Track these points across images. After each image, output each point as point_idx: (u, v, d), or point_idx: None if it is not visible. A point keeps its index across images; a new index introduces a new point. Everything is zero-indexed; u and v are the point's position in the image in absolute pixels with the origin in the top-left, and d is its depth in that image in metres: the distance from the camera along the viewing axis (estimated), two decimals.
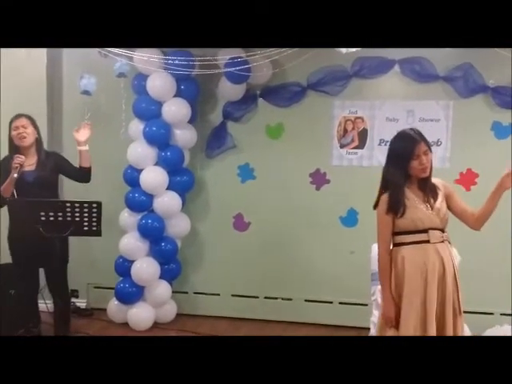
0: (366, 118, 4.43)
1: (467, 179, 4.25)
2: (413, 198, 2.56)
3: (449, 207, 2.63)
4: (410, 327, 2.49)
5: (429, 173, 2.57)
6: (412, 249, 2.55)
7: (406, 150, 2.53)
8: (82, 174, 3.69)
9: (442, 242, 2.56)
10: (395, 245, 2.61)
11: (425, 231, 2.53)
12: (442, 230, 2.58)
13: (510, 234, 4.20)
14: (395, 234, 2.60)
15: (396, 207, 2.53)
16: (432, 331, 2.47)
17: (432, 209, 2.56)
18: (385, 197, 2.59)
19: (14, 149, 3.57)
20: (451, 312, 2.52)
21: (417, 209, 2.54)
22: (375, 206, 2.65)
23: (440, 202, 2.59)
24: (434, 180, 2.64)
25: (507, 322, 4.11)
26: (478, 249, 3.97)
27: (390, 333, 2.56)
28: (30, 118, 3.64)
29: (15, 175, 3.37)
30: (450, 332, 2.50)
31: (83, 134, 3.67)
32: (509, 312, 4.20)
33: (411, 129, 2.63)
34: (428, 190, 2.59)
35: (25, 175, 3.49)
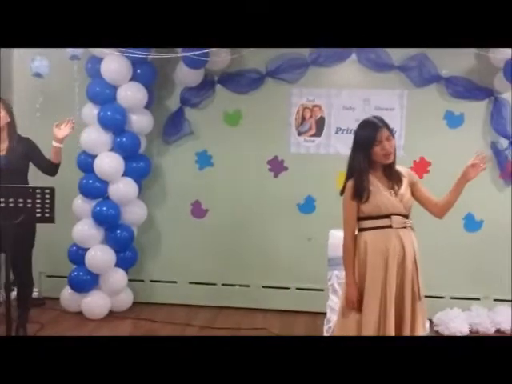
0: (323, 106, 4.47)
1: (420, 167, 4.37)
2: (377, 184, 2.61)
3: (413, 195, 2.69)
4: (372, 310, 2.55)
5: (392, 159, 2.62)
6: (374, 234, 2.60)
7: (368, 136, 2.58)
8: (52, 168, 3.64)
9: (405, 227, 2.61)
10: (360, 230, 2.66)
11: (387, 217, 2.58)
12: (406, 216, 2.62)
13: (460, 218, 4.35)
14: (359, 219, 2.64)
15: (360, 193, 2.57)
16: (391, 314, 2.52)
17: (396, 195, 2.61)
18: (350, 183, 2.63)
19: None
20: (410, 296, 2.57)
21: (381, 195, 2.58)
22: (342, 193, 2.68)
23: (404, 189, 2.64)
24: (398, 167, 2.70)
25: (457, 305, 4.27)
26: (430, 232, 4.07)
27: (351, 316, 2.61)
28: (2, 100, 3.49)
29: None
30: (408, 316, 2.55)
31: (63, 132, 3.59)
32: (458, 295, 4.38)
33: (374, 116, 2.69)
34: (392, 176, 2.64)
35: None
